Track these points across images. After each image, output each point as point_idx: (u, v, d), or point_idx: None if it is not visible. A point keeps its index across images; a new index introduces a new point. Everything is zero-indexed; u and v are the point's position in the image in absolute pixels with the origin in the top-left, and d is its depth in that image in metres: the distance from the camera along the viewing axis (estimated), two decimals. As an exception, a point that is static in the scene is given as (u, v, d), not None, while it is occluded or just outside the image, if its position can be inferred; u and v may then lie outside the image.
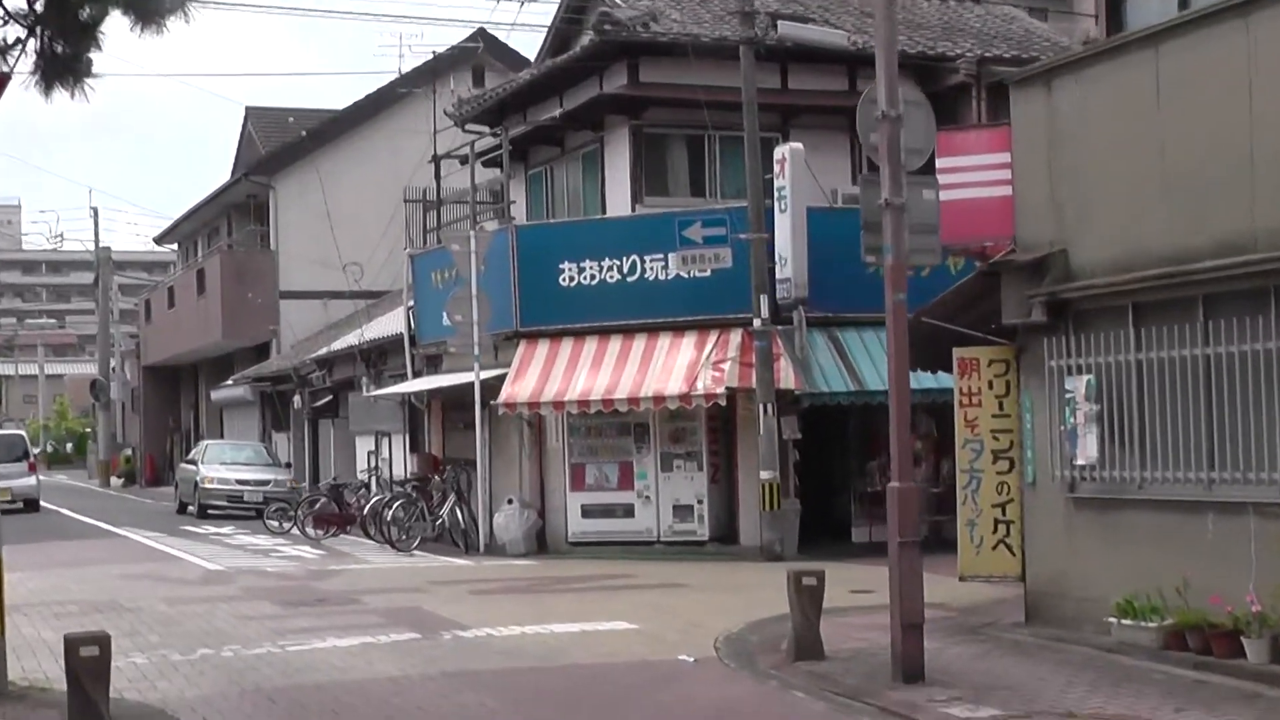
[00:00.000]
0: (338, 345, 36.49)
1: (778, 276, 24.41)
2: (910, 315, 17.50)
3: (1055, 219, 15.87)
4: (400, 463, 32.22)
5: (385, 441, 33.84)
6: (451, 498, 26.77)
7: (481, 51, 39.15)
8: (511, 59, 42.54)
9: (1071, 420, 15.44)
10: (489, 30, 41.16)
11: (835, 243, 24.67)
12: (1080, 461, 15.36)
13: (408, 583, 21.38)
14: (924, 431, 25.83)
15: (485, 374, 26.16)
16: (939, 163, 17.04)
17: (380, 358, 33.78)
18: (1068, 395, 15.48)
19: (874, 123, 14.48)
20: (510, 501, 25.95)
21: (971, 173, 16.98)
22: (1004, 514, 16.72)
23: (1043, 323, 15.83)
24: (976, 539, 16.83)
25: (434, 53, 35.95)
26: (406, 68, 41.36)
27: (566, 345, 25.84)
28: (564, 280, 25.87)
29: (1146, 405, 14.71)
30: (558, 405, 25.12)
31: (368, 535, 28.65)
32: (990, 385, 16.82)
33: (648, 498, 25.61)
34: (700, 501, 25.47)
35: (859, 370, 24.72)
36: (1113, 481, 15.13)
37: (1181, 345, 14.21)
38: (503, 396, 25.40)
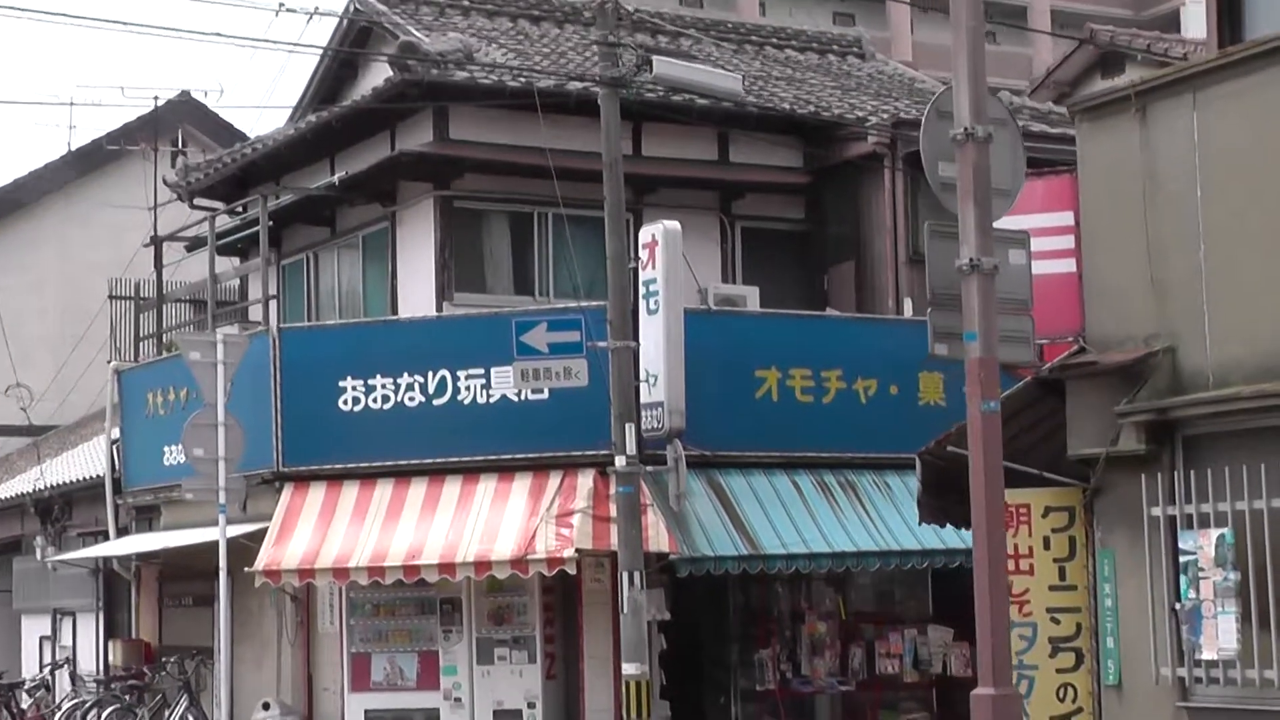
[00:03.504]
0: (-2, 493, 31.99)
1: (643, 400, 21.13)
2: (921, 450, 14.59)
3: (1155, 305, 13.03)
4: (91, 652, 27.85)
5: (67, 624, 29.41)
6: (183, 701, 22.65)
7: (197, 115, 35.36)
8: (218, 130, 38.76)
9: (1191, 595, 12.44)
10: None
11: (714, 358, 21.78)
12: (1207, 655, 12.38)
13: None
14: (827, 610, 22.86)
15: (234, 530, 22.22)
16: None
17: (64, 510, 29.44)
18: (1186, 558, 12.49)
19: (948, 147, 11.35)
20: (267, 707, 21.97)
21: (1014, 240, 13.95)
22: (1069, 731, 13.62)
23: (1139, 452, 12.90)
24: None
25: (156, 100, 31.80)
26: (89, 136, 37.15)
27: (350, 492, 22.09)
28: (346, 403, 22.19)
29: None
30: (340, 573, 21.31)
31: (50, 754, 24.45)
32: (1046, 544, 13.80)
33: (459, 700, 21.87)
34: (532, 705, 21.81)
35: (750, 528, 21.49)
36: (1261, 686, 12.16)
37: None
38: (263, 561, 21.48)
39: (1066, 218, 13.84)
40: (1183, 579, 12.54)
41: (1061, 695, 13.65)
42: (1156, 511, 12.81)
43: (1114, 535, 13.26)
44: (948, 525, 16.04)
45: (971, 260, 11.16)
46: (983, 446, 11.00)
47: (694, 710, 22.88)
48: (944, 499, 14.51)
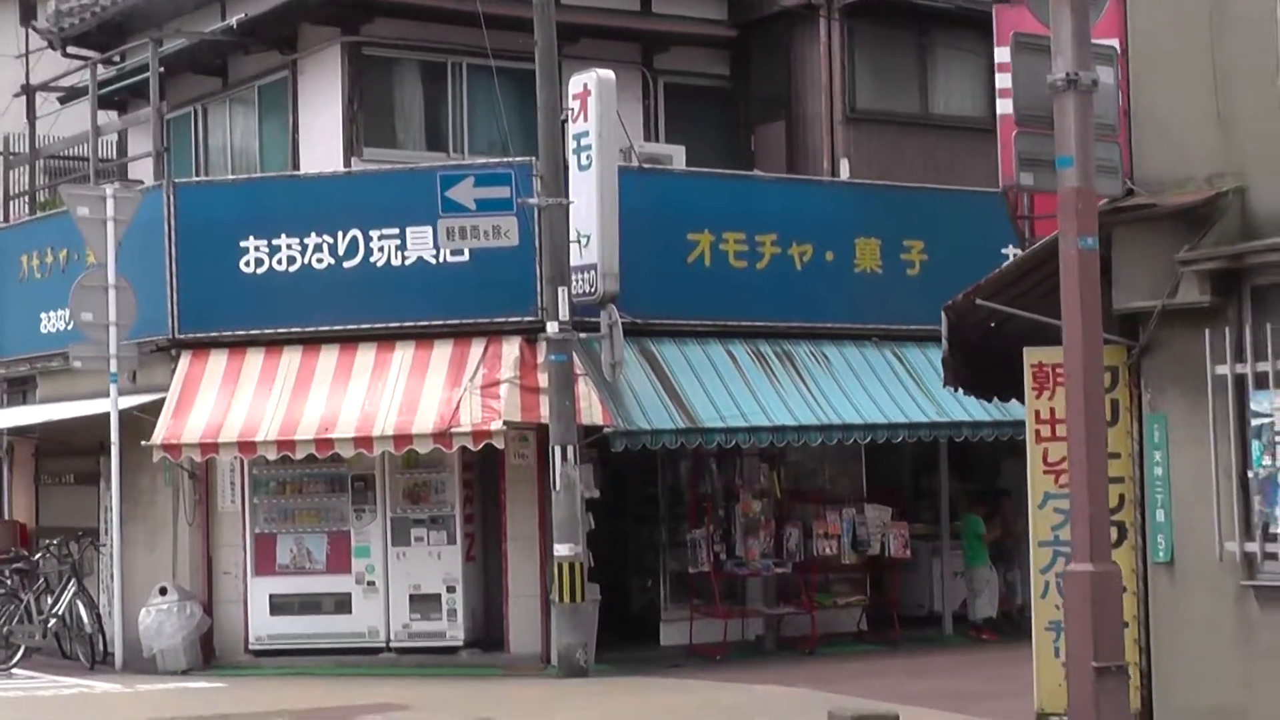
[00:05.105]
0: None
1: (574, 262, 19.46)
2: (947, 304, 13.09)
3: (1220, 141, 11.57)
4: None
5: (-73, 504, 27.22)
6: (71, 587, 20.72)
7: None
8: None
9: (1267, 462, 11.08)
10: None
11: (644, 220, 20.14)
12: (1284, 529, 10.99)
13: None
14: (761, 487, 21.37)
15: (125, 401, 20.32)
16: (998, 54, 12.59)
17: (-73, 383, 27.16)
18: (1260, 421, 11.12)
19: (1037, -55, 9.76)
20: (164, 591, 20.10)
21: (1051, 71, 12.40)
22: (1110, 613, 12.15)
23: (1202, 305, 11.44)
24: (1065, 653, 12.19)
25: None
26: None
27: (254, 360, 20.23)
28: (248, 265, 20.28)
29: None
30: (246, 447, 19.50)
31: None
32: (1086, 407, 12.24)
33: (372, 584, 20.21)
34: (451, 589, 20.18)
35: (687, 400, 19.96)
36: (1348, 562, 10.82)
37: None
38: (160, 434, 19.60)
39: (1109, 45, 12.30)
40: (1255, 444, 11.17)
41: (1103, 575, 12.24)
42: (1223, 370, 11.38)
43: (1166, 397, 11.82)
44: (961, 391, 14.58)
45: (1068, 75, 9.61)
46: (1079, 291, 9.49)
47: (619, 594, 21.40)
48: (968, 361, 13.04)
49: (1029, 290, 12.72)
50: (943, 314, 12.92)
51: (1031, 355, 12.45)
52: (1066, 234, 9.73)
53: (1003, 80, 12.48)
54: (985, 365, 14.00)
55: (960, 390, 14.44)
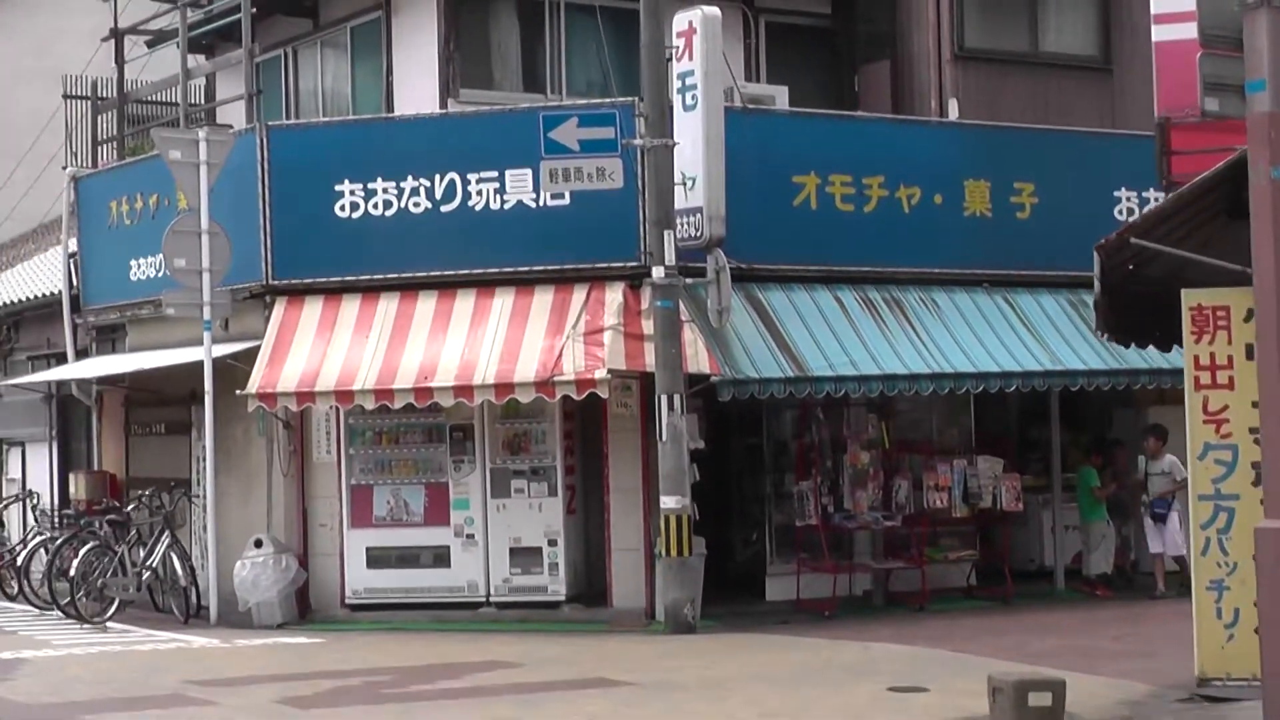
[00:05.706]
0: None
1: (679, 205, 18.66)
2: (1100, 242, 12.24)
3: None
4: (45, 485, 25.23)
5: (15, 454, 26.74)
6: (165, 539, 20.10)
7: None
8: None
9: None
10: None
11: (749, 162, 19.33)
12: None
13: (149, 684, 14.91)
14: (869, 438, 20.52)
15: (218, 350, 19.71)
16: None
17: (11, 331, 26.67)
18: None
19: None
20: (259, 544, 19.49)
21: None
22: (1276, 571, 11.32)
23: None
24: (1228, 614, 11.41)
25: None
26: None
27: (350, 306, 19.57)
28: (343, 209, 19.58)
29: None
30: (343, 396, 18.83)
31: (9, 595, 22.01)
32: (1249, 353, 11.47)
33: (471, 536, 19.53)
34: (553, 542, 19.48)
35: (795, 347, 19.15)
36: None
37: None
38: (255, 383, 18.96)
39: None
40: None
41: (1268, 531, 11.41)
42: None
43: (1344, 342, 10.95)
44: (1106, 338, 13.73)
45: (1258, -9, 8.76)
46: (1272, 225, 8.65)
47: (722, 547, 20.65)
48: (1117, 305, 12.19)
49: (1173, 231, 11.89)
50: (1095, 254, 12.05)
51: (1190, 297, 11.61)
52: (1258, 164, 8.89)
53: (1159, 4, 11.61)
54: (1125, 308, 13.18)
55: (1106, 336, 13.59)
